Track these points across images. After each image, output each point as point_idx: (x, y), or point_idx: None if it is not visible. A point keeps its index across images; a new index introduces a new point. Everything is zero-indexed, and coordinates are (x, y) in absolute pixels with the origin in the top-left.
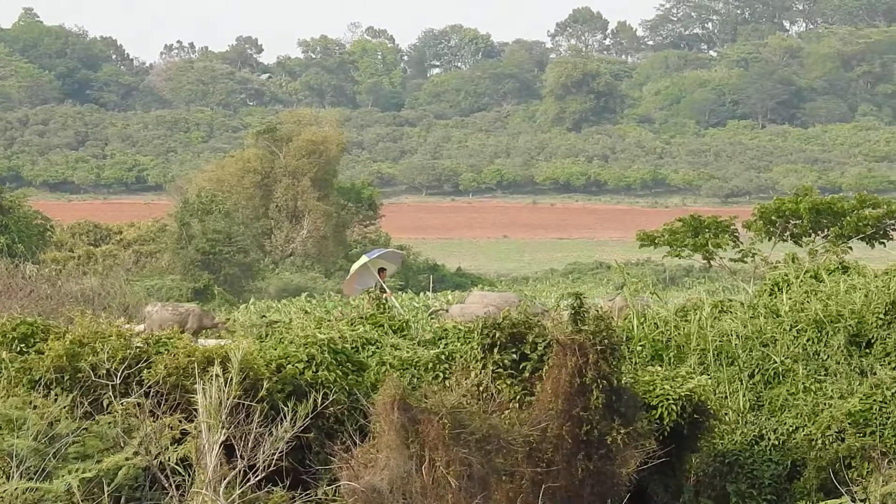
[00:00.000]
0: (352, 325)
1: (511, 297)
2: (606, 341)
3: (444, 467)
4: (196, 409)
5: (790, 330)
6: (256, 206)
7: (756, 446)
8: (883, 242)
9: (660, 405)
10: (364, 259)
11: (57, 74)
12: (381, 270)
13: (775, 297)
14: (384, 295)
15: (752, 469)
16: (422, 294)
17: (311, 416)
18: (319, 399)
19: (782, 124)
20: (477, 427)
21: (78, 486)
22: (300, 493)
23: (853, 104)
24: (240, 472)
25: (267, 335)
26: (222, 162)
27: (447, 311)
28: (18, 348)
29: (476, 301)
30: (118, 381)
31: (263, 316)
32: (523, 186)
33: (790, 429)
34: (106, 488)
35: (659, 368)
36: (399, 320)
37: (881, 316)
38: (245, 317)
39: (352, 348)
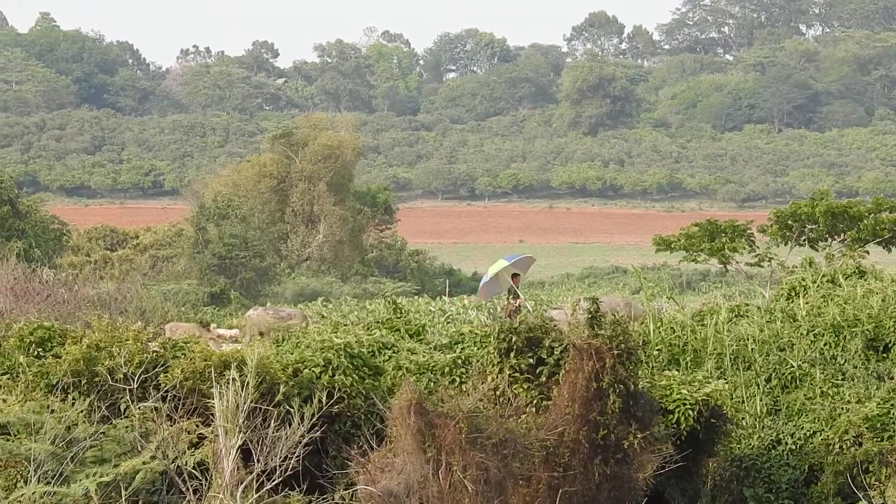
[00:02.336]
0: (368, 329)
1: (617, 300)
2: (623, 345)
3: (460, 471)
4: (213, 414)
5: (807, 334)
6: (272, 210)
7: (773, 451)
8: None
9: (677, 409)
10: (504, 263)
11: (74, 79)
12: (515, 276)
13: (792, 302)
14: (517, 301)
15: (770, 473)
16: (437, 298)
17: (326, 419)
18: (332, 402)
19: (799, 128)
20: (493, 431)
21: (95, 490)
22: (317, 498)
23: (870, 108)
24: (257, 476)
25: (284, 339)
26: (238, 166)
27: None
28: (36, 352)
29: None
30: (135, 386)
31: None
32: (539, 191)
33: (807, 433)
34: (123, 492)
35: (676, 373)
36: (416, 325)
37: None
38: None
39: (368, 352)
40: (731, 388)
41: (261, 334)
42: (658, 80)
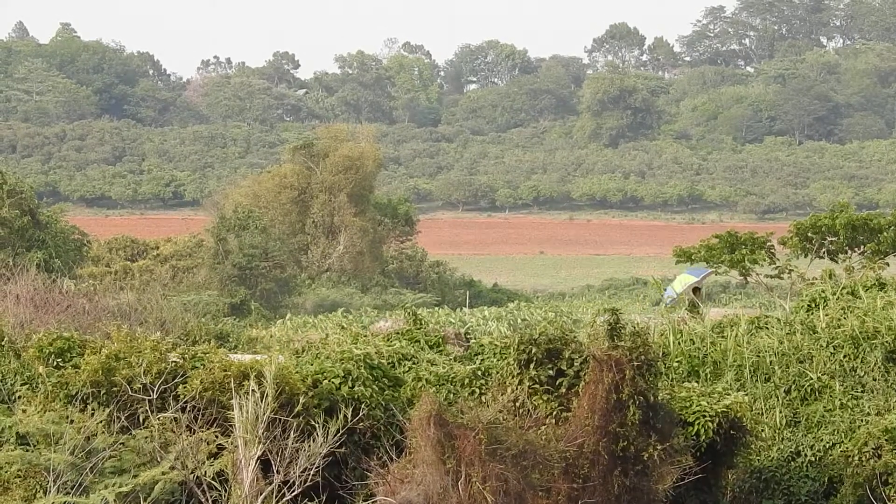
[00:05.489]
0: (388, 340)
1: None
2: (643, 357)
3: (480, 483)
4: (232, 424)
5: (827, 346)
6: (293, 221)
7: (792, 462)
8: None
9: (696, 421)
10: (692, 279)
11: (94, 90)
12: (696, 290)
13: (812, 314)
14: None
15: (789, 485)
16: (458, 310)
17: (346, 431)
18: (353, 414)
19: (819, 140)
20: (513, 443)
21: (115, 500)
22: None
23: (890, 120)
24: (276, 487)
25: (303, 350)
26: (259, 177)
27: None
28: (55, 363)
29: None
30: (154, 396)
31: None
32: (560, 202)
33: (827, 445)
34: (143, 503)
35: (695, 384)
36: (436, 336)
37: None
38: (282, 332)
39: (388, 364)
40: (750, 400)
41: None
42: (679, 91)
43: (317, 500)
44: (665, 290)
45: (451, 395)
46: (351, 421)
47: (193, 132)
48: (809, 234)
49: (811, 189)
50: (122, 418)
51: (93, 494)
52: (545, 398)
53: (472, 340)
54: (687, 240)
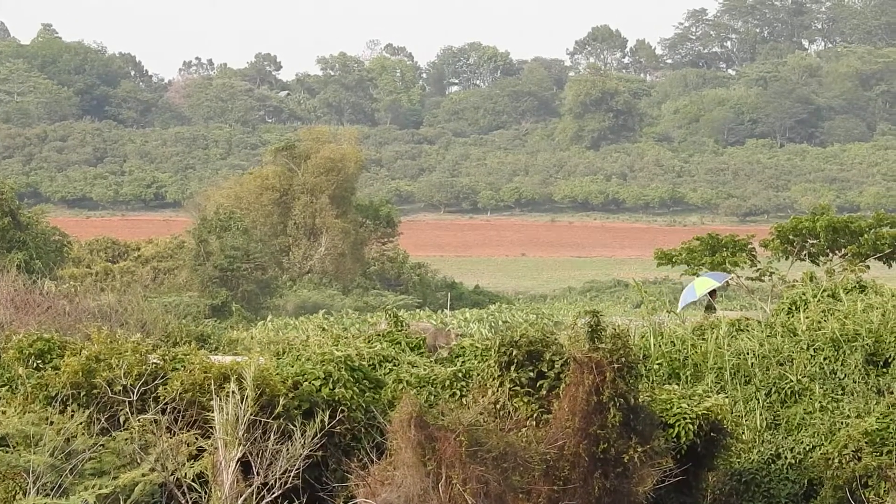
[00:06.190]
0: (369, 342)
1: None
2: (623, 359)
3: (460, 485)
4: (212, 426)
5: (807, 349)
6: (274, 223)
7: (773, 465)
8: None
9: (677, 423)
10: (714, 284)
11: (76, 91)
12: (712, 292)
13: (792, 316)
14: (714, 315)
15: (769, 488)
16: (439, 312)
17: (326, 433)
18: (331, 416)
19: (801, 143)
20: (494, 445)
21: (94, 502)
22: None
23: (872, 123)
24: (256, 489)
25: (284, 352)
26: (240, 179)
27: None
28: (35, 364)
29: None
30: (135, 398)
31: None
32: (541, 205)
33: (807, 448)
34: None
35: (676, 387)
36: (417, 338)
37: None
38: (262, 334)
39: (369, 365)
40: (730, 403)
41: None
42: (661, 94)
43: (297, 502)
44: (683, 293)
45: (432, 397)
46: (329, 423)
47: (175, 133)
48: (790, 237)
49: (792, 192)
50: (102, 420)
51: (72, 496)
52: (526, 400)
53: (454, 342)
54: (668, 242)
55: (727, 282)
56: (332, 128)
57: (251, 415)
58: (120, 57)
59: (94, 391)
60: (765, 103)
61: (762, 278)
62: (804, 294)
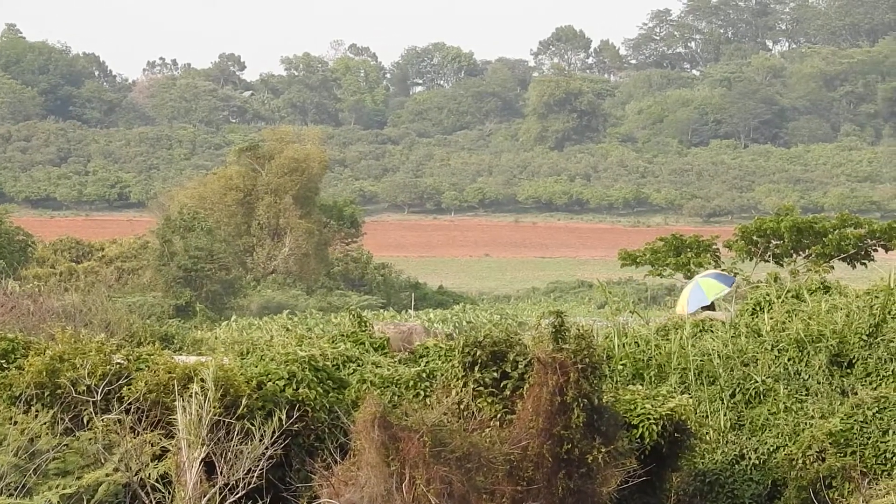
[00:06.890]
0: (333, 342)
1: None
2: (587, 360)
3: (424, 485)
4: (176, 426)
5: (771, 349)
6: (238, 223)
7: (737, 466)
8: (864, 262)
9: (640, 424)
10: (725, 289)
11: (40, 90)
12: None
13: (757, 317)
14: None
15: (733, 488)
16: (403, 312)
17: (290, 433)
18: (295, 419)
19: (765, 144)
20: (457, 445)
21: (58, 502)
22: None
23: (836, 124)
24: (220, 489)
25: (248, 352)
26: (204, 179)
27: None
28: None
29: None
30: (99, 398)
31: None
32: (505, 205)
33: (771, 448)
34: None
35: (640, 387)
36: (381, 338)
37: (863, 336)
38: (227, 334)
39: (333, 366)
40: (695, 403)
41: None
42: (624, 94)
43: (261, 502)
44: (689, 294)
45: (396, 398)
46: (289, 422)
47: (139, 133)
48: (755, 238)
49: (756, 192)
50: (66, 420)
51: (36, 496)
52: (489, 401)
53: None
54: (632, 243)
55: (734, 286)
56: (295, 128)
57: (214, 415)
58: (84, 57)
59: (58, 391)
60: (729, 104)
61: None
62: (768, 295)
